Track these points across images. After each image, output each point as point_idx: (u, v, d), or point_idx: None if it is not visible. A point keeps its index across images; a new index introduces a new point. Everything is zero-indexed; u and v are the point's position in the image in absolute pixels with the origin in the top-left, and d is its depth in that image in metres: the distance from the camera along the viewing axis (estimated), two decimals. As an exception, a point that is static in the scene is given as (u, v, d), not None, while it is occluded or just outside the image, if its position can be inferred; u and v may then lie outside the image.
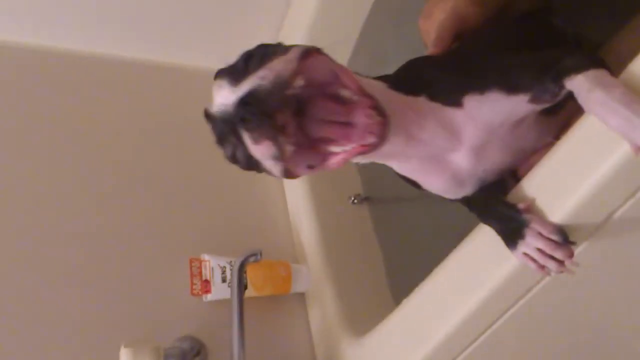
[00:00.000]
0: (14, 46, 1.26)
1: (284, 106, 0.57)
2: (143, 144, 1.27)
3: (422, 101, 0.67)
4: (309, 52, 0.60)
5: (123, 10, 1.32)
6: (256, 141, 0.58)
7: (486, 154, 0.70)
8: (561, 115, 0.70)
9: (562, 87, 0.62)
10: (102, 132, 1.25)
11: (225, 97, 0.59)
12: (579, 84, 0.60)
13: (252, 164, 0.62)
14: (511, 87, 0.65)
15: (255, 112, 0.57)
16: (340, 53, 1.31)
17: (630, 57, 0.57)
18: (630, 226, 0.66)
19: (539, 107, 0.67)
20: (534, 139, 0.70)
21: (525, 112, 0.67)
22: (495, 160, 0.71)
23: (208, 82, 1.43)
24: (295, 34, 1.32)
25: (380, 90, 0.66)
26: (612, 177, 0.59)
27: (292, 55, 0.59)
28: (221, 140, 0.63)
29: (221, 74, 0.62)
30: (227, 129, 0.60)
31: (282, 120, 0.57)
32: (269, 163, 0.60)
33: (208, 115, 0.63)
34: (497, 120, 0.67)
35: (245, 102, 0.57)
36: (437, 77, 0.69)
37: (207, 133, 1.34)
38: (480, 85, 0.66)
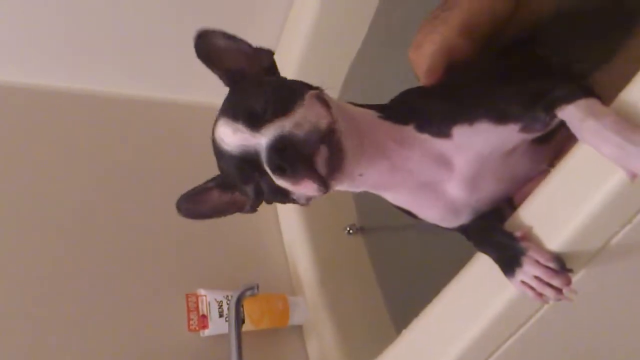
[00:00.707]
0: (10, 86, 1.27)
1: (316, 150, 0.61)
2: (137, 180, 1.27)
3: (409, 130, 0.69)
4: (325, 101, 0.64)
5: (107, 46, 1.33)
6: (297, 182, 0.61)
7: (479, 184, 0.70)
8: (553, 143, 0.71)
9: (553, 116, 0.63)
10: (96, 168, 1.25)
11: (246, 139, 0.62)
12: (571, 114, 0.61)
13: (277, 197, 0.67)
14: (501, 117, 0.66)
15: (293, 159, 0.60)
16: (335, 77, 1.33)
17: (619, 87, 0.58)
18: (628, 252, 0.66)
19: (530, 136, 0.67)
20: (527, 168, 0.71)
21: (516, 141, 0.68)
22: (489, 189, 0.71)
23: (201, 116, 1.44)
24: (290, 57, 1.33)
25: (367, 119, 0.68)
26: (608, 204, 0.59)
27: (319, 107, 0.63)
28: (243, 177, 0.66)
29: (232, 116, 0.64)
30: (249, 167, 0.64)
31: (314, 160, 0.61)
32: (309, 195, 0.65)
33: (222, 154, 0.66)
34: (487, 150, 0.68)
35: (277, 148, 0.60)
36: (427, 108, 0.70)
37: (200, 168, 1.35)
38: (470, 116, 0.67)
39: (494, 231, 0.69)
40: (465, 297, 0.75)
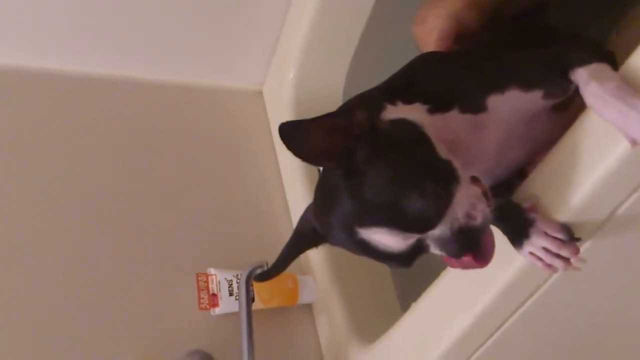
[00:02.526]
0: (16, 70, 1.27)
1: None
2: (147, 161, 1.27)
3: (454, 115, 0.67)
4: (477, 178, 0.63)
5: (111, 28, 1.32)
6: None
7: (505, 152, 0.70)
8: (571, 110, 0.71)
9: (569, 81, 0.64)
10: (107, 149, 1.25)
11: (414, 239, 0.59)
12: (579, 77, 0.61)
13: None
14: (527, 84, 0.66)
15: (470, 245, 0.60)
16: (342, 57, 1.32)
17: (627, 52, 0.58)
18: (635, 221, 0.67)
19: (551, 102, 0.68)
20: (547, 135, 0.71)
21: (539, 107, 0.68)
22: (512, 157, 0.71)
23: (209, 98, 1.45)
24: (291, 50, 1.33)
25: (424, 117, 0.65)
26: (614, 172, 0.60)
27: (474, 187, 0.61)
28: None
29: (396, 224, 0.58)
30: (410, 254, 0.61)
31: None
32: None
33: (371, 250, 0.61)
34: (516, 118, 0.68)
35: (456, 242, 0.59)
36: (461, 86, 0.69)
37: (211, 150, 1.36)
38: (500, 85, 0.67)
39: (502, 203, 0.69)
40: (473, 270, 0.75)
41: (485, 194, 0.61)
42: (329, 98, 1.34)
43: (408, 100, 0.66)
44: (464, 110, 0.67)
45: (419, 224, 0.58)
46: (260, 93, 1.48)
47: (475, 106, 0.67)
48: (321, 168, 0.67)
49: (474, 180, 0.62)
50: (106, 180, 1.21)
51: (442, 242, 0.59)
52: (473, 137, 0.68)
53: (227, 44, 1.42)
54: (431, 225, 0.58)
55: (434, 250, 0.60)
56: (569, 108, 0.71)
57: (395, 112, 0.63)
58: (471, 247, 0.59)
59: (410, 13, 0.92)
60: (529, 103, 0.68)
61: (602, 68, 0.61)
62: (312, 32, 1.26)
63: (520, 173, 0.73)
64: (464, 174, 0.60)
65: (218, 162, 1.34)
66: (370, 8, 1.24)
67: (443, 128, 0.65)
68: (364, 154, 0.59)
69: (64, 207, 1.15)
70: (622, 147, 0.58)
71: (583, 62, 0.62)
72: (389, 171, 0.58)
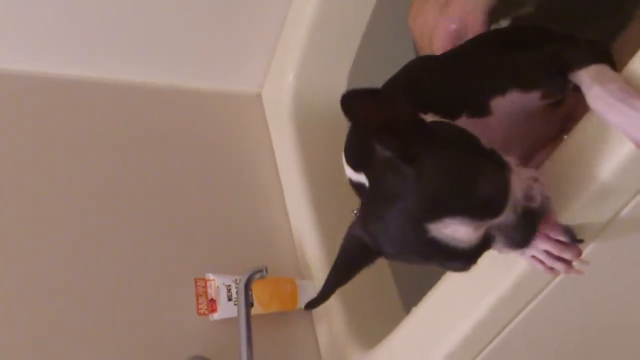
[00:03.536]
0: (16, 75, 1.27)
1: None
2: (145, 165, 1.27)
3: (463, 122, 0.67)
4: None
5: (109, 32, 1.32)
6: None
7: (506, 153, 0.70)
8: (564, 106, 0.71)
9: (568, 81, 0.63)
10: (106, 153, 1.25)
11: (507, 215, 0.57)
12: (581, 80, 0.61)
13: None
14: (527, 85, 0.66)
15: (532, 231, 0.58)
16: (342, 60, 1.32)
17: (630, 55, 0.58)
18: (637, 223, 0.66)
19: (549, 101, 0.68)
20: (542, 131, 0.71)
21: (537, 107, 0.68)
22: (513, 155, 0.71)
23: (208, 102, 1.45)
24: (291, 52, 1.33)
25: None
26: (617, 174, 0.59)
27: (525, 169, 0.60)
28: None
29: (469, 212, 0.55)
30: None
31: None
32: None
33: (436, 246, 0.57)
34: (516, 118, 0.68)
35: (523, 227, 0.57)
36: (466, 92, 0.68)
37: (209, 153, 1.36)
38: (501, 88, 0.67)
39: None
40: (476, 272, 0.74)
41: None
42: (329, 101, 1.33)
43: (423, 112, 0.65)
44: (471, 115, 0.67)
45: (490, 207, 0.56)
46: (259, 96, 1.48)
47: (481, 110, 0.67)
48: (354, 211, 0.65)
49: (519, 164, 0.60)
50: (104, 183, 1.20)
51: (507, 230, 0.57)
52: (484, 138, 0.67)
53: (226, 47, 1.42)
54: (501, 207, 0.56)
55: (499, 244, 0.58)
56: (562, 105, 0.71)
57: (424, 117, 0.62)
58: (534, 232, 0.58)
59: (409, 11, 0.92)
60: (528, 103, 0.68)
61: (603, 70, 0.60)
62: (311, 34, 1.26)
63: None
64: (510, 160, 0.59)
65: (216, 166, 1.33)
66: (371, 10, 1.23)
67: None
68: (419, 143, 0.56)
69: (63, 210, 1.14)
70: (625, 149, 0.57)
71: (582, 63, 0.62)
72: (452, 159, 0.56)
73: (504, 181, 0.56)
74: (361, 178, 0.65)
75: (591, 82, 0.59)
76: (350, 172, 0.68)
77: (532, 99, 0.67)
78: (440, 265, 0.60)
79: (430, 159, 0.56)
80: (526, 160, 0.72)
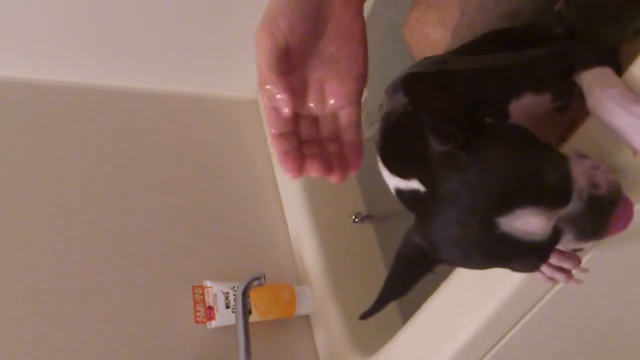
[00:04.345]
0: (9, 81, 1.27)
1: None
2: (142, 172, 1.27)
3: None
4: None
5: (106, 38, 1.32)
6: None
7: None
8: (570, 111, 0.70)
9: (573, 83, 0.63)
10: (103, 159, 1.25)
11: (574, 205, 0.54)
12: (583, 82, 0.61)
13: None
14: (539, 87, 0.65)
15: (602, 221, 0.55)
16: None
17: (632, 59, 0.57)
18: (636, 231, 0.65)
19: (558, 103, 0.67)
20: (548, 135, 0.70)
21: (548, 109, 0.67)
22: None
23: (204, 107, 1.44)
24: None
25: None
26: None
27: (585, 158, 0.57)
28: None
29: (539, 203, 0.53)
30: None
31: None
32: None
33: (508, 241, 0.54)
34: (528, 121, 0.67)
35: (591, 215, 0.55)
36: (486, 96, 0.65)
37: (206, 159, 1.35)
38: (516, 90, 0.65)
39: None
40: (474, 281, 0.74)
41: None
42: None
43: None
44: (494, 119, 0.64)
45: (558, 194, 0.53)
46: (255, 101, 1.47)
47: (503, 114, 0.65)
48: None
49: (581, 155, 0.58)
50: (101, 190, 1.20)
51: (577, 221, 0.54)
52: None
53: (222, 52, 1.41)
54: (569, 194, 0.53)
55: (570, 236, 0.55)
56: (569, 109, 0.70)
57: None
58: (607, 219, 0.55)
59: (404, 17, 0.91)
60: (540, 106, 0.66)
61: (605, 73, 0.60)
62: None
63: None
64: (568, 151, 0.57)
65: (214, 172, 1.33)
66: (366, 17, 1.23)
67: None
68: (478, 135, 0.54)
69: (59, 217, 1.14)
70: (623, 156, 0.57)
71: (586, 65, 0.61)
72: (513, 149, 0.54)
73: (566, 168, 0.54)
74: (413, 184, 0.60)
75: (592, 85, 0.59)
76: (398, 182, 0.63)
77: (544, 101, 0.66)
78: (507, 265, 0.57)
79: (491, 150, 0.54)
80: None
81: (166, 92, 1.41)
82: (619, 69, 0.60)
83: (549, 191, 0.53)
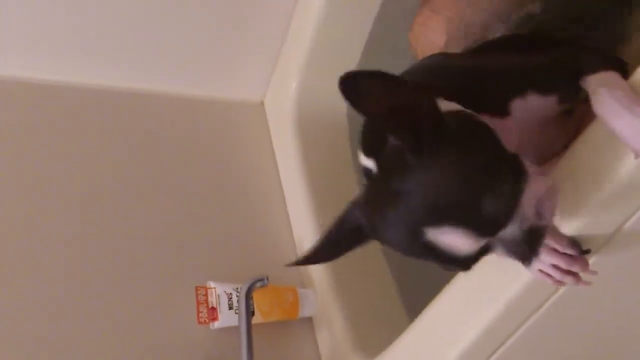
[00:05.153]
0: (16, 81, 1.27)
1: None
2: (147, 173, 1.26)
3: (485, 119, 0.64)
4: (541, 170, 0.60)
5: (114, 41, 1.32)
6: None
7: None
8: (577, 115, 0.71)
9: (579, 87, 0.63)
10: (108, 161, 1.25)
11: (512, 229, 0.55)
12: (589, 85, 0.61)
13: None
14: (545, 88, 0.66)
15: (538, 245, 0.57)
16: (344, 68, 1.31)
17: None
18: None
19: (564, 107, 0.67)
20: (556, 140, 0.70)
21: (553, 112, 0.68)
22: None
23: (210, 110, 1.44)
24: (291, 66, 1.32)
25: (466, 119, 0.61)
26: (623, 185, 0.59)
27: (541, 180, 0.57)
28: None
29: (467, 224, 0.53)
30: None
31: None
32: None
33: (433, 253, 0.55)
34: (533, 122, 0.68)
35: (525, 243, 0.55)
36: (487, 91, 0.66)
37: (212, 161, 1.35)
38: (521, 90, 0.66)
39: None
40: (480, 283, 0.74)
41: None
42: (332, 109, 1.33)
43: (447, 98, 0.61)
44: (492, 114, 0.65)
45: (495, 223, 0.53)
46: (261, 104, 1.48)
47: (502, 111, 0.66)
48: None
49: (539, 172, 0.58)
50: (106, 191, 1.20)
51: (510, 244, 0.54)
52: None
53: (228, 55, 1.42)
54: (506, 224, 0.53)
55: (499, 252, 0.56)
56: (575, 113, 0.71)
57: (446, 105, 0.58)
58: (534, 249, 0.56)
59: (411, 21, 0.92)
60: (545, 108, 0.67)
61: (611, 76, 0.60)
62: (314, 43, 1.26)
63: None
64: (530, 167, 0.56)
65: (218, 174, 1.33)
66: (373, 18, 1.23)
67: None
68: (434, 140, 0.52)
69: (63, 218, 1.14)
70: (630, 159, 0.57)
71: (593, 68, 0.62)
72: (466, 160, 0.53)
73: (515, 196, 0.53)
74: (370, 164, 0.62)
75: (598, 87, 0.59)
76: (362, 157, 0.65)
77: (549, 103, 0.67)
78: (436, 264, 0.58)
79: (442, 156, 0.52)
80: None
81: (171, 94, 1.42)
82: (625, 74, 0.61)
83: (486, 219, 0.52)
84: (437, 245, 0.53)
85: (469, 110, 0.59)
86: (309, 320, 1.18)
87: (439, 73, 0.70)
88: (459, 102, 0.61)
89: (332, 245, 0.65)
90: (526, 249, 0.55)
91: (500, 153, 0.55)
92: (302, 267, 1.24)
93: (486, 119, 0.63)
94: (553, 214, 0.56)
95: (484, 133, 0.57)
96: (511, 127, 0.66)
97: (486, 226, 0.53)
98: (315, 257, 0.67)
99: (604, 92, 0.58)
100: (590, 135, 0.62)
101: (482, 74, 0.70)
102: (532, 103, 0.66)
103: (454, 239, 0.52)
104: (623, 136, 0.55)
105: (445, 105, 0.57)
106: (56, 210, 1.15)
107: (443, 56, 0.78)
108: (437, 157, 0.52)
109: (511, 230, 0.54)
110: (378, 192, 0.57)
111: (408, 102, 0.51)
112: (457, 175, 0.52)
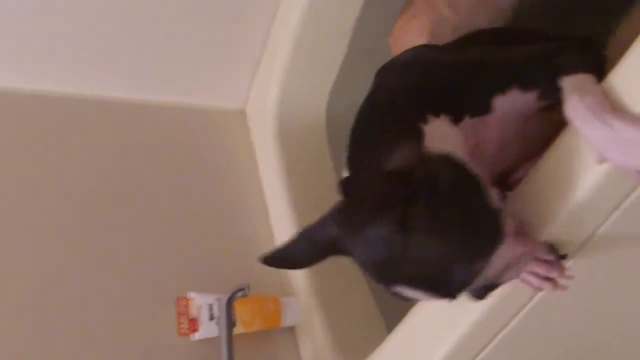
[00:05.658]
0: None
1: None
2: (128, 181, 1.25)
3: (467, 123, 0.66)
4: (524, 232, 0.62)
5: (93, 48, 1.31)
6: None
7: (502, 156, 0.70)
8: (556, 113, 0.70)
9: (558, 85, 0.63)
10: (88, 169, 1.23)
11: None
12: (564, 87, 0.61)
13: None
14: (526, 84, 0.66)
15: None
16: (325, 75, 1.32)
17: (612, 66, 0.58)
18: (615, 240, 0.66)
19: (544, 103, 0.67)
20: (538, 137, 0.70)
21: (533, 109, 0.68)
22: (506, 161, 0.71)
23: (191, 118, 1.44)
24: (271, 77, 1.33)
25: (456, 139, 0.64)
26: (594, 191, 0.59)
27: (519, 245, 0.60)
28: None
29: (423, 287, 0.58)
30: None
31: None
32: None
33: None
34: (514, 119, 0.68)
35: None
36: (470, 88, 0.67)
37: (193, 170, 1.35)
38: (502, 85, 0.66)
39: None
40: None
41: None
42: (312, 116, 1.33)
43: (437, 114, 0.64)
44: (474, 114, 0.66)
45: (459, 288, 0.58)
46: (243, 112, 1.47)
47: (483, 108, 0.66)
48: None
49: (520, 230, 0.60)
50: (85, 199, 1.19)
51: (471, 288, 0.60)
52: (483, 140, 0.67)
53: (209, 63, 1.41)
54: (468, 288, 0.59)
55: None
56: (556, 111, 0.70)
57: (433, 135, 0.61)
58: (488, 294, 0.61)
59: (391, 28, 0.92)
60: (526, 104, 0.67)
61: (587, 80, 0.60)
62: (294, 50, 1.26)
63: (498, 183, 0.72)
64: (510, 224, 0.58)
65: (200, 182, 1.32)
66: (353, 25, 1.24)
67: (467, 136, 0.65)
68: (418, 210, 0.55)
69: (41, 228, 1.13)
70: (601, 166, 0.57)
71: (570, 70, 0.62)
72: (440, 241, 0.56)
73: (483, 266, 0.57)
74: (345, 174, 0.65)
75: (571, 91, 0.59)
76: (345, 172, 0.67)
77: (530, 99, 0.66)
78: None
79: (418, 231, 0.55)
80: (519, 165, 0.72)
81: (153, 103, 1.41)
82: (604, 68, 0.61)
83: (450, 285, 0.57)
84: (401, 293, 0.59)
85: (458, 158, 0.60)
86: (291, 329, 1.17)
87: (421, 71, 0.71)
88: (443, 109, 0.64)
89: (302, 256, 0.66)
90: (481, 294, 0.61)
91: (480, 215, 0.58)
92: (283, 276, 1.23)
93: (467, 122, 0.65)
94: (517, 276, 0.60)
95: (469, 191, 0.58)
96: (492, 124, 0.67)
97: (449, 294, 0.58)
98: (283, 265, 0.68)
99: (575, 98, 0.58)
100: (565, 140, 0.62)
101: (464, 69, 0.70)
102: (513, 99, 0.66)
103: (418, 296, 0.58)
104: (591, 142, 0.56)
105: (432, 136, 0.60)
106: (33, 220, 1.13)
107: (424, 49, 0.77)
108: (413, 230, 0.55)
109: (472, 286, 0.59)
110: (355, 226, 0.58)
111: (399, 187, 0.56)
112: (429, 250, 0.56)
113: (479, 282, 0.58)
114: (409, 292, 0.58)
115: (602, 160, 0.56)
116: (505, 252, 0.57)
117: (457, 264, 0.55)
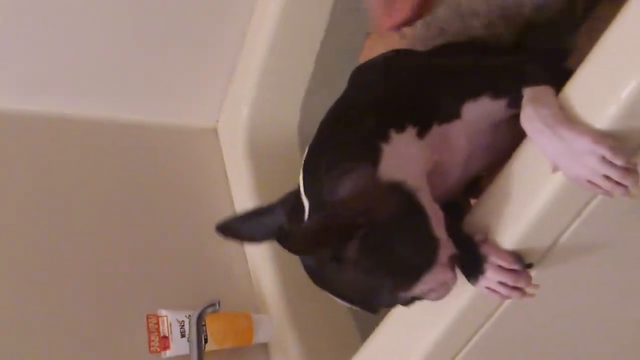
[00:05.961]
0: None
1: None
2: (98, 200, 1.25)
3: (435, 130, 0.67)
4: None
5: (62, 67, 1.31)
6: None
7: (472, 163, 0.70)
8: None
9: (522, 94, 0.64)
10: (57, 188, 1.22)
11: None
12: (523, 97, 0.63)
13: None
14: (496, 92, 0.67)
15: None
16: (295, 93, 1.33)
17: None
18: (577, 248, 0.68)
19: (513, 111, 0.67)
20: (507, 145, 0.70)
21: (502, 116, 0.68)
22: (476, 169, 0.71)
23: (162, 136, 1.44)
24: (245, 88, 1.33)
25: (417, 158, 0.66)
26: (554, 200, 0.60)
27: (448, 272, 0.66)
28: None
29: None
30: None
31: None
32: None
33: None
34: (484, 127, 0.68)
35: None
36: (440, 95, 0.68)
37: (164, 188, 1.34)
38: (473, 91, 0.67)
39: (455, 231, 0.67)
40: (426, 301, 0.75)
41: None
42: (284, 133, 1.35)
43: (401, 127, 0.65)
44: (442, 122, 0.67)
45: (380, 309, 0.70)
46: (214, 130, 1.48)
47: (451, 115, 0.67)
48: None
49: (451, 260, 0.65)
50: (54, 217, 1.18)
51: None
52: (449, 148, 0.68)
53: (180, 82, 1.42)
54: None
55: None
56: None
57: (391, 158, 0.64)
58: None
59: (358, 44, 0.94)
60: (495, 112, 0.68)
61: (545, 92, 0.62)
62: (264, 68, 1.28)
63: (466, 192, 0.73)
64: (443, 254, 0.63)
65: (171, 200, 1.32)
66: (320, 42, 1.26)
67: (430, 151, 0.66)
68: (352, 247, 0.62)
69: (13, 242, 1.11)
70: (559, 177, 0.59)
71: (531, 80, 0.64)
72: (369, 274, 0.64)
73: (406, 291, 0.64)
74: (305, 203, 0.68)
75: (527, 102, 0.61)
76: (301, 191, 0.69)
77: (499, 107, 0.67)
78: None
79: (344, 255, 0.62)
80: (489, 174, 0.72)
81: (123, 121, 1.40)
82: (565, 81, 0.62)
83: (377, 305, 0.68)
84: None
85: (409, 188, 0.63)
86: (264, 346, 1.16)
87: (391, 73, 0.72)
88: (410, 119, 0.66)
89: (254, 231, 0.75)
90: (408, 303, 0.67)
91: (416, 247, 0.64)
92: (256, 292, 1.23)
93: (435, 130, 0.66)
94: (442, 298, 0.66)
95: (410, 226, 0.64)
96: (462, 132, 0.67)
97: (375, 309, 0.69)
98: (237, 233, 0.78)
99: (530, 109, 0.60)
100: (526, 148, 0.63)
101: (435, 74, 0.71)
102: (483, 106, 0.67)
103: (346, 304, 0.67)
104: (543, 153, 0.58)
105: (392, 167, 0.63)
106: (7, 234, 1.12)
107: (396, 54, 0.79)
108: (344, 263, 0.63)
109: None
110: (293, 249, 0.64)
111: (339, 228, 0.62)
112: (356, 280, 0.64)
113: (403, 299, 0.66)
114: (338, 300, 0.66)
115: (555, 169, 0.57)
116: (432, 277, 0.63)
117: (382, 290, 0.64)
